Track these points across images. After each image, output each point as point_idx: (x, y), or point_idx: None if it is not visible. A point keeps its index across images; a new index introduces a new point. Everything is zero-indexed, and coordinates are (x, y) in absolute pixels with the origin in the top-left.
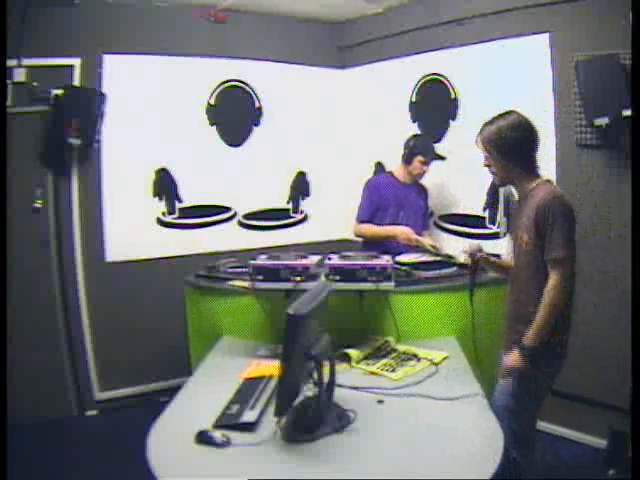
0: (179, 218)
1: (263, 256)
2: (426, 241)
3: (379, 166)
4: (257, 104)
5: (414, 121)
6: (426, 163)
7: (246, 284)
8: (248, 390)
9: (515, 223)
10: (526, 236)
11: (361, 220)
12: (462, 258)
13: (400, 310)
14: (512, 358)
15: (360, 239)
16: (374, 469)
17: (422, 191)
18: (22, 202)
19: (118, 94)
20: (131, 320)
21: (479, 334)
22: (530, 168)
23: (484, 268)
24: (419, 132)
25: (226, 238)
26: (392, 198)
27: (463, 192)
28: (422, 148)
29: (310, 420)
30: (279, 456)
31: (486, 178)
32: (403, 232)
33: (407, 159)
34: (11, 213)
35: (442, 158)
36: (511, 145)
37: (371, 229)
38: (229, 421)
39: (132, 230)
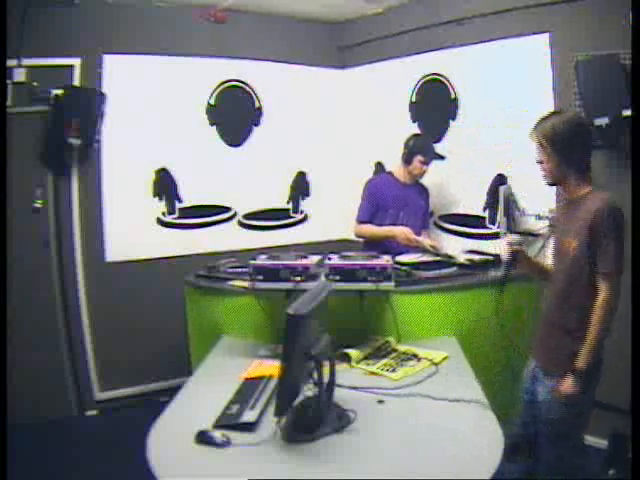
0: (179, 218)
1: (263, 256)
2: (426, 241)
3: (379, 166)
4: (257, 104)
5: (414, 121)
6: (426, 163)
7: (246, 284)
8: (248, 390)
9: (562, 227)
10: (575, 242)
11: (361, 220)
12: (504, 249)
13: (400, 310)
14: (567, 384)
15: (361, 239)
16: (374, 469)
17: (423, 191)
18: (22, 202)
19: (118, 94)
20: (131, 320)
21: (479, 334)
22: (583, 171)
23: (518, 263)
24: (419, 132)
25: (226, 238)
26: (392, 198)
27: (463, 192)
28: (422, 148)
29: (310, 420)
30: (279, 456)
31: (486, 178)
32: (402, 232)
33: (407, 159)
34: (11, 213)
35: (442, 158)
36: (565, 142)
37: (371, 229)
38: (229, 421)
39: (132, 230)
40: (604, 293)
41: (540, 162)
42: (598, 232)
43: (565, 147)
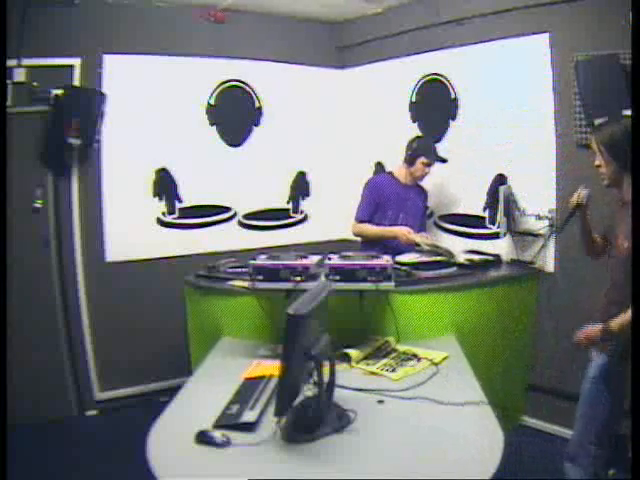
0: (179, 218)
1: (263, 256)
2: (426, 241)
3: (379, 166)
4: (257, 104)
5: (414, 121)
6: (429, 165)
7: (246, 284)
8: (248, 390)
9: (617, 226)
10: (627, 244)
11: (360, 220)
12: (573, 199)
13: (400, 310)
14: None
15: (359, 238)
16: (374, 469)
17: (422, 192)
18: (22, 202)
19: (118, 94)
20: (131, 320)
21: (479, 333)
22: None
23: (578, 216)
24: (420, 133)
25: (226, 238)
26: (392, 198)
27: (463, 192)
28: (425, 150)
29: (310, 420)
30: (279, 456)
31: (486, 178)
32: (403, 232)
33: (410, 160)
34: (11, 213)
35: (444, 160)
36: (624, 151)
37: (371, 229)
38: (229, 421)
39: (132, 230)
40: None
41: (598, 166)
42: None
43: (621, 154)
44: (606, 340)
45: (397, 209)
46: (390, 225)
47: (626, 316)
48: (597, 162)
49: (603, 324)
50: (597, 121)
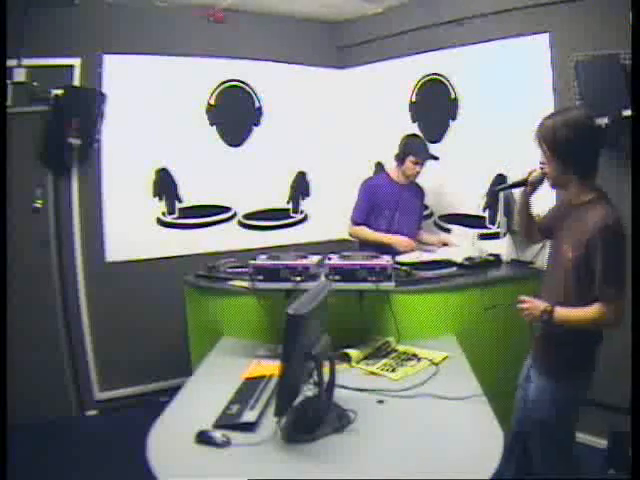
0: (179, 218)
1: (263, 256)
2: (433, 238)
3: (379, 166)
4: (257, 104)
5: (414, 121)
6: (419, 163)
7: (246, 284)
8: (248, 390)
9: (560, 231)
10: (572, 254)
11: (356, 222)
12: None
13: (400, 310)
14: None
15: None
16: (374, 469)
17: (418, 191)
18: (22, 202)
19: (118, 94)
20: (131, 320)
21: (478, 333)
22: (586, 175)
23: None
24: (414, 132)
25: (226, 238)
26: (388, 199)
27: (463, 192)
28: (414, 148)
29: (310, 420)
30: (279, 456)
31: (486, 178)
32: (400, 242)
33: (400, 159)
34: (11, 213)
35: (435, 158)
36: (564, 144)
37: (367, 234)
38: (229, 421)
39: (132, 230)
40: (601, 314)
41: (542, 164)
42: (599, 251)
43: (565, 150)
44: (544, 321)
45: (393, 209)
46: (387, 225)
47: (572, 313)
48: (541, 161)
49: (548, 304)
50: (597, 121)
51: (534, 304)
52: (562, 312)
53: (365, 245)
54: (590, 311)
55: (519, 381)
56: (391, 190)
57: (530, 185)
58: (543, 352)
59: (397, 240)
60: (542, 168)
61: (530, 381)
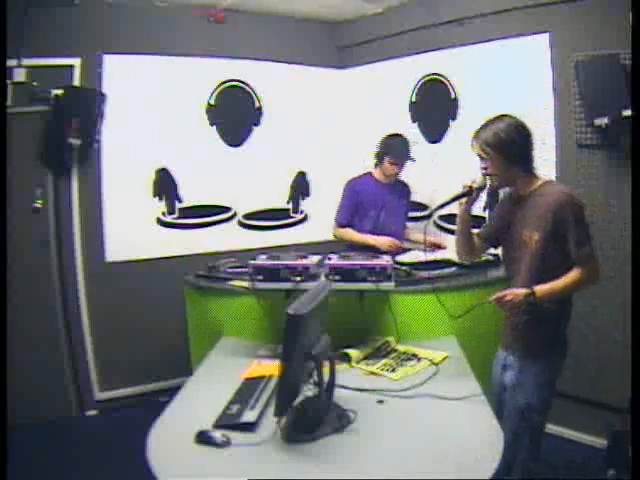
0: (179, 218)
1: (263, 256)
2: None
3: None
4: (257, 104)
5: (414, 121)
6: (395, 164)
7: (246, 284)
8: (248, 390)
9: (514, 224)
10: (537, 235)
11: (340, 223)
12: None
13: (400, 310)
14: (518, 291)
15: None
16: (374, 469)
17: (404, 190)
18: (22, 202)
19: (118, 94)
20: (131, 320)
21: (479, 333)
22: (530, 168)
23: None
24: (397, 132)
25: (226, 238)
26: (372, 199)
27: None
28: (390, 149)
29: (310, 420)
30: (279, 456)
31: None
32: (383, 243)
33: (378, 159)
34: (11, 213)
35: (411, 160)
36: (511, 146)
37: (352, 235)
38: (229, 421)
39: (132, 230)
40: (582, 276)
41: (484, 168)
42: (564, 221)
43: (511, 151)
44: (531, 303)
45: (379, 209)
46: (372, 226)
47: (555, 285)
48: (483, 165)
49: (527, 288)
50: (597, 121)
51: (514, 292)
52: (544, 288)
53: (350, 247)
54: (571, 276)
55: (494, 375)
56: (375, 190)
57: (476, 192)
58: (527, 336)
59: (381, 241)
60: (485, 170)
61: (508, 369)
